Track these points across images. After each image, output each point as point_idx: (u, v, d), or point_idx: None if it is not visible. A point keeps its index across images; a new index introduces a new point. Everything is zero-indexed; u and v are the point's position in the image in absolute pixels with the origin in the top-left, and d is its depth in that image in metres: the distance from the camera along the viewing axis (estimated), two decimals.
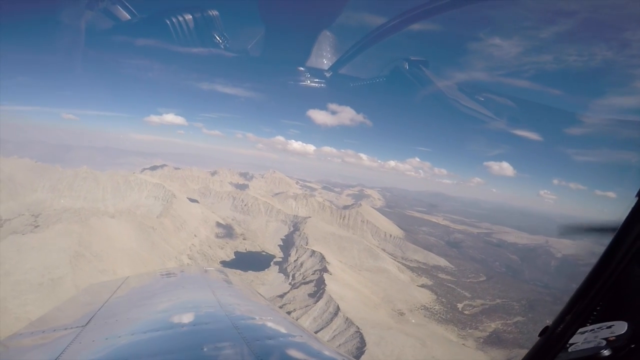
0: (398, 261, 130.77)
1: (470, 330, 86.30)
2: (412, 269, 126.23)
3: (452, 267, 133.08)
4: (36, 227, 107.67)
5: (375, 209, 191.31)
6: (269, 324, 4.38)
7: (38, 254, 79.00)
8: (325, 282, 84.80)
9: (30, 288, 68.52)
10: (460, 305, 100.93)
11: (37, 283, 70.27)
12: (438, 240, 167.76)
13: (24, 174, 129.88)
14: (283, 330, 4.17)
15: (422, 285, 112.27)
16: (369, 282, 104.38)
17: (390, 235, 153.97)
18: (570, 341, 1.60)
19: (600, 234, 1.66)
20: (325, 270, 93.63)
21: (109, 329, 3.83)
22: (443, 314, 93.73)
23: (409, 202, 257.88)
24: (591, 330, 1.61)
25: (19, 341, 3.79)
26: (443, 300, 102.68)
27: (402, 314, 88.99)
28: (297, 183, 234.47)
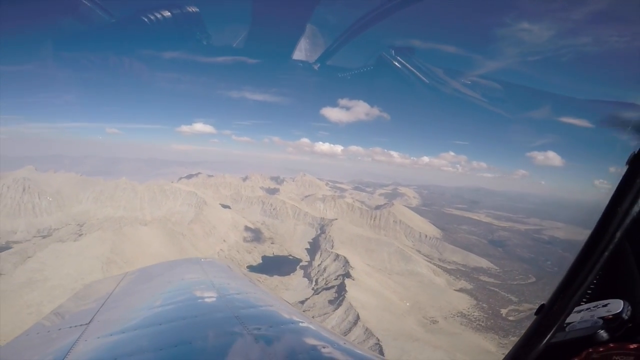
0: (434, 263, 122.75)
1: (513, 338, 76.95)
2: (449, 271, 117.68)
3: (496, 268, 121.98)
4: (80, 235, 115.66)
5: (409, 208, 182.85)
6: (270, 313, 4.29)
7: (75, 261, 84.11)
8: (346, 288, 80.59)
9: (64, 293, 72.52)
10: (504, 311, 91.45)
11: (70, 288, 74.30)
12: (480, 240, 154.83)
13: (70, 187, 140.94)
14: (285, 318, 4.08)
15: (460, 290, 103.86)
16: (398, 287, 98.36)
17: (426, 236, 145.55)
18: (567, 320, 1.59)
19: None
20: (347, 275, 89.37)
21: (112, 325, 3.81)
22: (483, 321, 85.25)
23: (448, 200, 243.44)
24: (587, 309, 1.59)
25: (25, 342, 3.76)
26: (484, 305, 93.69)
27: (434, 321, 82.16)
28: (327, 185, 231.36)
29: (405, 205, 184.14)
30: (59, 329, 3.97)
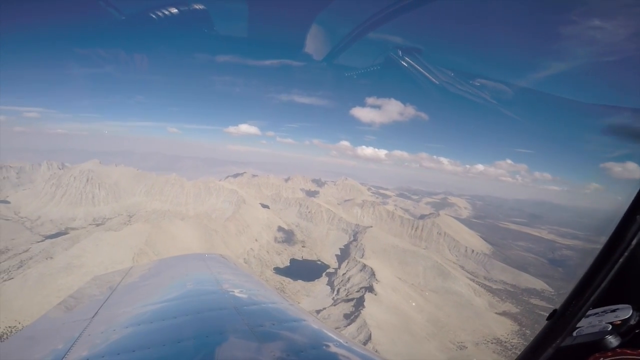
0: (477, 282, 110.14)
1: None
2: (493, 292, 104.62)
3: (551, 290, 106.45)
4: (128, 225, 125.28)
5: (458, 219, 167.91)
6: (273, 310, 4.25)
7: (111, 250, 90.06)
8: (365, 303, 74.29)
9: None
10: None
11: None
12: (538, 258, 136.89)
13: (127, 180, 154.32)
14: (287, 316, 4.02)
15: (503, 313, 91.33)
16: (430, 305, 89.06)
17: (473, 251, 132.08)
18: (577, 325, 1.59)
19: None
20: (370, 289, 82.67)
21: (116, 320, 3.84)
22: (520, 350, 72.91)
23: (505, 213, 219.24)
24: (595, 314, 1.59)
25: (30, 335, 3.83)
26: (527, 332, 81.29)
27: (462, 347, 72.45)
28: (369, 190, 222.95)
29: (453, 216, 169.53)
30: (64, 323, 3.98)
